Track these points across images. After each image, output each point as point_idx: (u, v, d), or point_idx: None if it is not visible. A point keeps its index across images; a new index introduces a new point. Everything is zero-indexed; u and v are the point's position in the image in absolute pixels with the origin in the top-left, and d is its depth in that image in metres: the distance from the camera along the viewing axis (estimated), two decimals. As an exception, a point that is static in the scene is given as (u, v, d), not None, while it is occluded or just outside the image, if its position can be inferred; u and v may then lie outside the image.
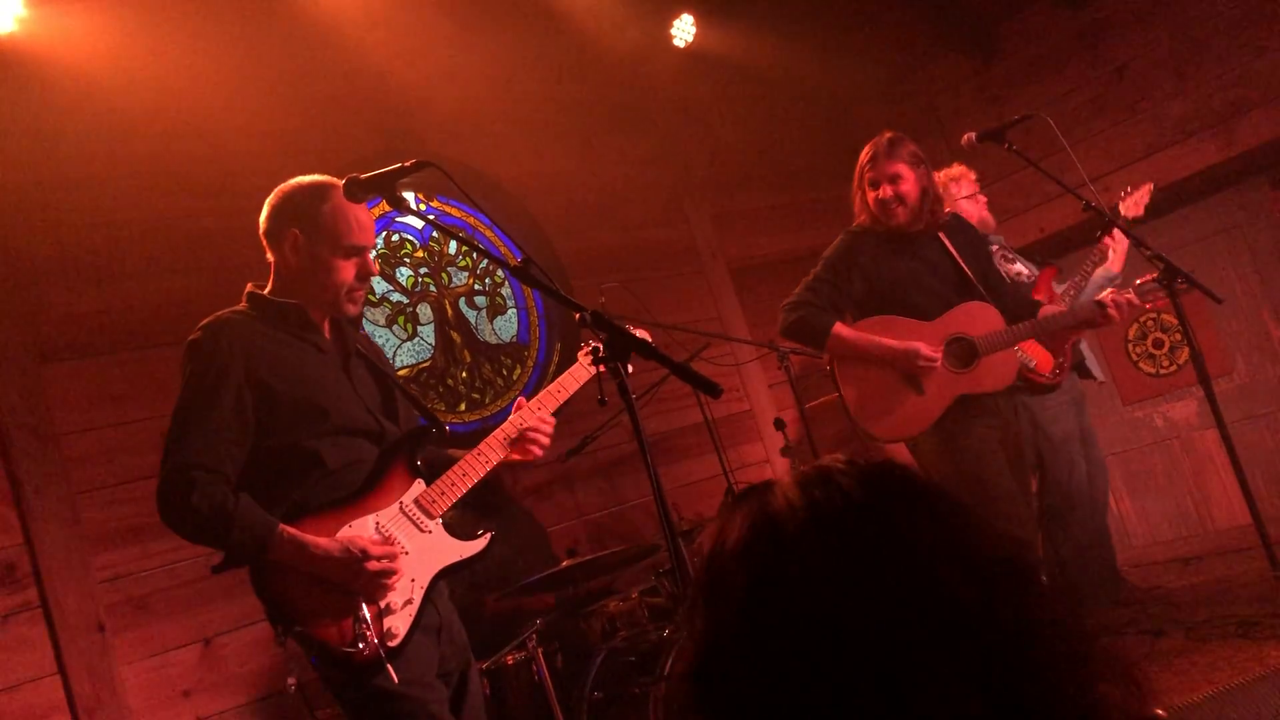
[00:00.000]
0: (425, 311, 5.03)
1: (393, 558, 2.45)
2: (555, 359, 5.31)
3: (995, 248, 4.45)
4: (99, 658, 3.65)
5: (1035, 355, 4.22)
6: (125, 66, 4.09)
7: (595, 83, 5.64)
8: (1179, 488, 6.00)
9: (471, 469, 2.69)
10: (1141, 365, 6.09)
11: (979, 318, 3.74)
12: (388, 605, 2.44)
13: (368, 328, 4.81)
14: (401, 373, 4.84)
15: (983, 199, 4.92)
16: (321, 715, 3.63)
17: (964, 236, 3.93)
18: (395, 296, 4.96)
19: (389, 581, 2.44)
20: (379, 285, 4.92)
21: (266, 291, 2.68)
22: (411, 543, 2.54)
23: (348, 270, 2.64)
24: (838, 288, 3.78)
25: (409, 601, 2.48)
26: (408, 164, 2.35)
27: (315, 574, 2.39)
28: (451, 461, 2.69)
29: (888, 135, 3.79)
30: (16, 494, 3.65)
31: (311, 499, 2.49)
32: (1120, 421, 6.18)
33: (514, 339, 5.29)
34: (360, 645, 2.36)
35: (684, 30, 5.49)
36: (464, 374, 5.04)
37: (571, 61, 5.43)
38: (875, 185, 3.75)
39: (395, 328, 4.91)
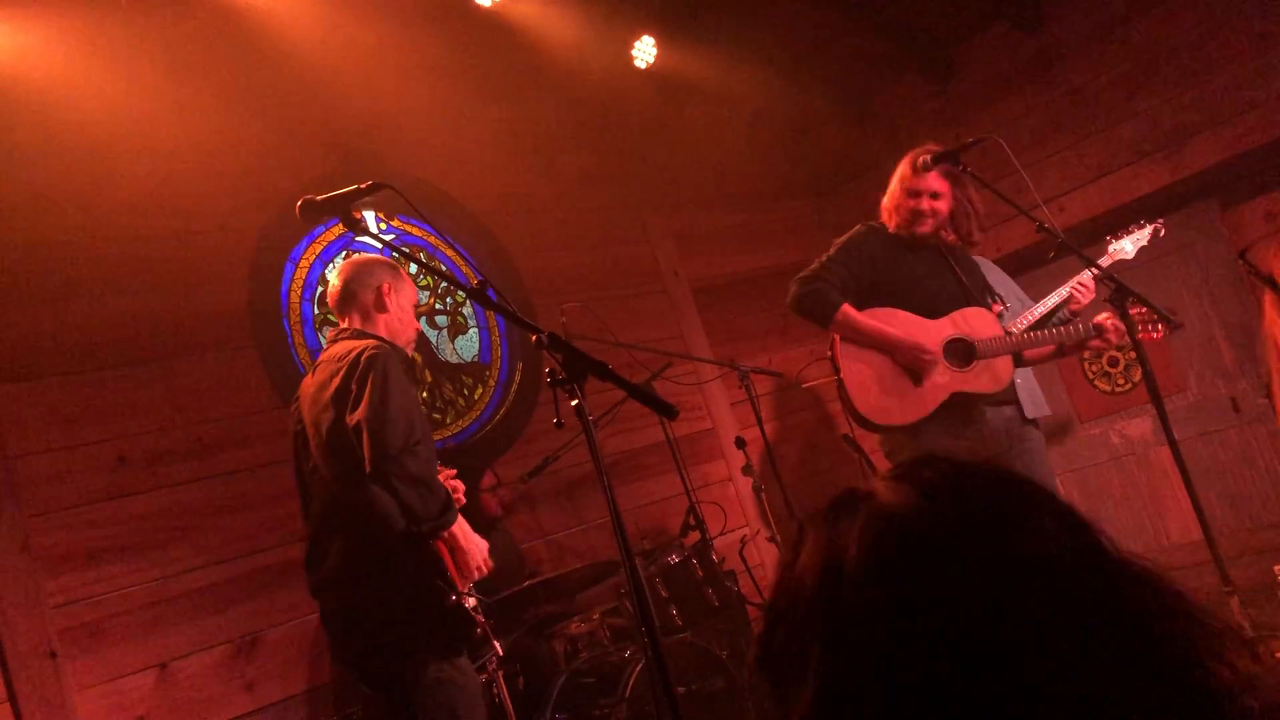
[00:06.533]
0: (386, 331, 5.00)
1: None
2: (517, 379, 5.29)
3: None
4: (51, 684, 3.58)
5: None
6: (78, 85, 4.05)
7: (557, 103, 5.66)
8: (1135, 504, 6.08)
9: None
10: (1097, 383, 6.17)
11: (977, 322, 3.87)
12: None
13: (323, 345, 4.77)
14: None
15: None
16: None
17: (966, 260, 4.09)
18: (355, 316, 4.92)
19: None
20: (339, 305, 4.89)
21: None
22: None
23: (416, 323, 3.26)
24: (850, 271, 3.89)
25: None
26: (363, 186, 2.36)
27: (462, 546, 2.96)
28: None
29: (933, 149, 3.85)
30: (-34, 518, 3.59)
31: None
32: (1077, 439, 6.25)
33: (475, 359, 5.27)
34: (479, 618, 2.89)
35: (645, 52, 5.53)
36: (424, 394, 5.01)
37: (533, 82, 5.45)
38: (915, 195, 3.87)
39: (355, 348, 4.87)
